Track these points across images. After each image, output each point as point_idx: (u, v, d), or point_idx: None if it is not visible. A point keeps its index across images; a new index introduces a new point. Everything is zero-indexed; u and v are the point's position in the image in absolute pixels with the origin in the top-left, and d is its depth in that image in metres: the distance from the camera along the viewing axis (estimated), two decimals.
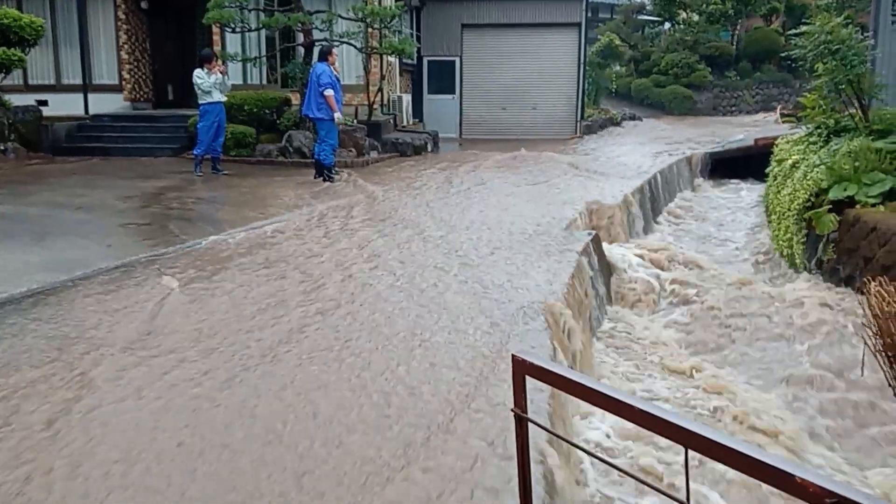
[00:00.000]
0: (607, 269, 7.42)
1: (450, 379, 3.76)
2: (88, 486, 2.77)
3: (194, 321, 4.60)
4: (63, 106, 15.20)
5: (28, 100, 14.64)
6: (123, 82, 16.45)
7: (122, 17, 16.28)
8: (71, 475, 2.83)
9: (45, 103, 14.94)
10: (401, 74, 18.74)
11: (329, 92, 10.83)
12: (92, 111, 15.54)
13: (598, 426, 4.28)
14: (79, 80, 15.96)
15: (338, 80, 11.28)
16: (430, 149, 15.94)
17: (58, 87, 16.05)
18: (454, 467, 2.92)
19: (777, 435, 4.52)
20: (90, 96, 15.77)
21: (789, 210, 8.17)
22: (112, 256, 6.20)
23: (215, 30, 15.59)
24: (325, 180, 10.99)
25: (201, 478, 2.83)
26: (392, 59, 16.70)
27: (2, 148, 13.23)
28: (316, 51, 13.52)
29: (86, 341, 4.20)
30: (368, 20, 13.87)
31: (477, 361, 4.01)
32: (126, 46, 16.38)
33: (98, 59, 16.41)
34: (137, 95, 16.71)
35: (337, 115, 11.00)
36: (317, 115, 11.06)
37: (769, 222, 9.64)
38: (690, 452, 1.17)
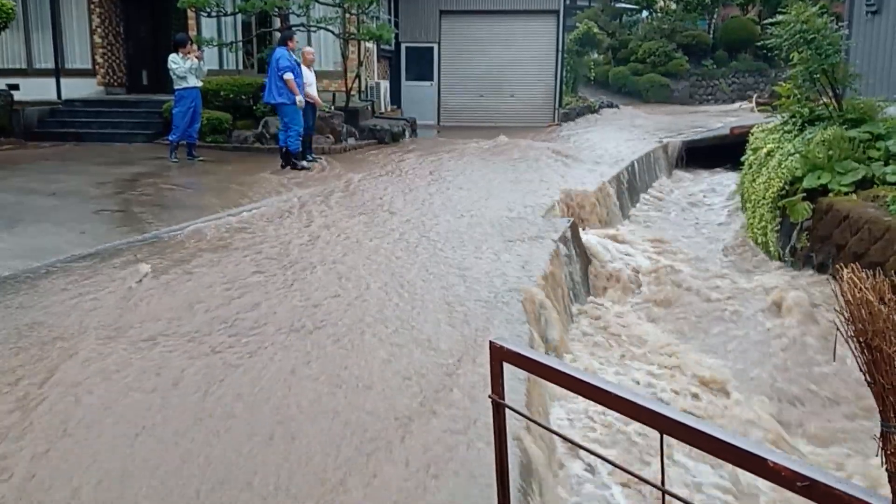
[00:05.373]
0: (584, 255, 7.46)
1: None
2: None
3: (167, 307, 4.56)
4: (35, 90, 14.92)
5: None
6: (97, 67, 16.17)
7: (95, 0, 16.00)
8: None
9: (16, 87, 14.64)
10: (378, 61, 18.61)
11: (289, 75, 10.62)
12: (65, 96, 15.27)
13: None
14: (51, 65, 15.66)
15: (298, 64, 11.05)
16: (408, 136, 15.87)
17: (29, 72, 15.74)
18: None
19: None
20: (63, 81, 15.48)
21: (764, 198, 8.26)
22: (86, 244, 6.12)
23: (190, 14, 15.36)
24: (292, 168, 10.77)
25: None
26: (370, 45, 16.58)
27: None
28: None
29: (58, 328, 4.16)
30: (346, 5, 13.75)
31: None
32: (99, 30, 16.09)
33: (70, 42, 16.10)
34: (111, 80, 16.44)
35: (299, 98, 10.73)
36: (277, 99, 10.79)
37: (744, 210, 9.73)
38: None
